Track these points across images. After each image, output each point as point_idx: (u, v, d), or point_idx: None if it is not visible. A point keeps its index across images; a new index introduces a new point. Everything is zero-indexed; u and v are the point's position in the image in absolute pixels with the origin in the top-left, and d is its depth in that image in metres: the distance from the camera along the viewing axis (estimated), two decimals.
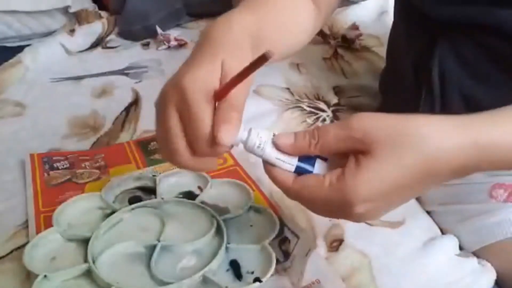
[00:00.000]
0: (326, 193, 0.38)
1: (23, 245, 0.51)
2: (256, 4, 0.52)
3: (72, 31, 0.98)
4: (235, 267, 0.49)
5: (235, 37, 0.44)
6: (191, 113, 0.39)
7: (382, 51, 0.88)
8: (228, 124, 0.38)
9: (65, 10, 1.01)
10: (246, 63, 0.37)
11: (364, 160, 0.37)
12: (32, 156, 0.64)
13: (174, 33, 0.99)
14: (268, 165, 0.41)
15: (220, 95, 0.39)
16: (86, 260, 0.48)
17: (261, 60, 0.34)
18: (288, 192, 0.40)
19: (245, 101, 0.41)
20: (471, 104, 0.55)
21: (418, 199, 0.63)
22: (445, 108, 0.57)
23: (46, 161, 0.62)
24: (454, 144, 0.36)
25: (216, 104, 0.40)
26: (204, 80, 0.40)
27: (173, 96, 0.40)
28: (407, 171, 0.36)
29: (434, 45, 0.56)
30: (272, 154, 0.40)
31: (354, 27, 1.00)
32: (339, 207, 0.38)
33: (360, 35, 0.99)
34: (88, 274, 0.47)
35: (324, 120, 0.75)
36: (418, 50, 0.60)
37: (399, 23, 0.67)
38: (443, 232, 0.59)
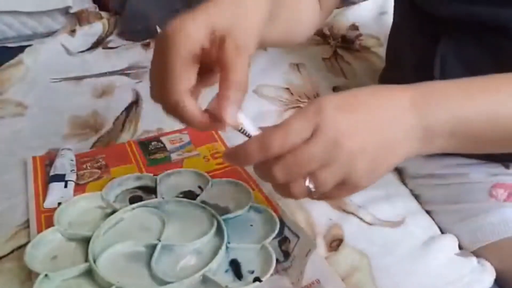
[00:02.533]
0: (296, 119, 0.38)
1: (24, 245, 0.51)
2: None
3: (72, 32, 0.98)
4: (235, 267, 0.49)
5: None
6: (167, 74, 0.39)
7: (382, 51, 0.88)
8: (234, 105, 0.40)
9: (65, 10, 1.01)
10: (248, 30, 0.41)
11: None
12: (34, 158, 0.64)
13: None
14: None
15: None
16: (86, 260, 0.48)
17: None
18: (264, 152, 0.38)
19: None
20: None
21: (418, 199, 0.64)
22: None
23: (48, 163, 0.63)
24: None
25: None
26: (187, 34, 0.39)
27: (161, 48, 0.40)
28: (364, 91, 0.41)
29: (436, 44, 0.56)
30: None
31: (354, 27, 1.00)
32: (315, 131, 0.37)
33: (360, 35, 0.99)
34: (89, 273, 0.47)
35: None
36: (419, 50, 0.60)
37: (400, 23, 0.67)
38: (442, 231, 0.59)
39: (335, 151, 0.38)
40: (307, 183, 0.39)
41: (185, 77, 0.39)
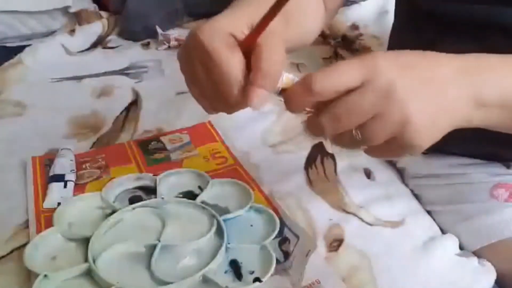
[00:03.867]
0: (345, 63, 0.37)
1: (24, 245, 0.51)
2: None
3: (72, 31, 0.98)
4: (235, 267, 0.49)
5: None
6: (213, 62, 0.38)
7: (382, 51, 0.88)
8: (262, 89, 0.38)
9: (65, 10, 1.01)
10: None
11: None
12: (34, 159, 0.64)
13: (174, 33, 0.99)
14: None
15: (246, 42, 0.39)
16: (86, 260, 0.48)
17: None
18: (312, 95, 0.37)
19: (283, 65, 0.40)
20: None
21: (418, 199, 0.64)
22: None
23: (48, 163, 0.62)
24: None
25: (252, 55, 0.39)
26: (221, 28, 0.39)
27: (194, 48, 0.40)
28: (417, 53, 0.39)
29: (437, 44, 0.56)
30: None
31: (354, 27, 1.00)
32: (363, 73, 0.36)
33: (360, 35, 0.99)
34: (89, 273, 0.47)
35: None
36: (420, 49, 0.60)
37: (401, 22, 0.67)
38: (443, 231, 0.59)
39: (387, 102, 0.36)
40: (354, 133, 0.38)
41: (235, 60, 0.39)
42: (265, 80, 0.38)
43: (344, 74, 0.37)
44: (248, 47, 0.39)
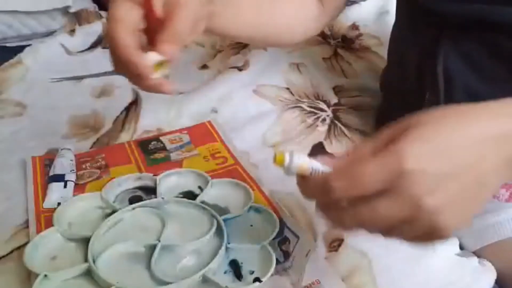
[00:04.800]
0: (372, 164, 0.33)
1: (24, 245, 0.51)
2: None
3: (72, 31, 0.98)
4: (235, 267, 0.49)
5: None
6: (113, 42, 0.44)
7: (382, 51, 0.88)
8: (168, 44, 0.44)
9: (65, 10, 1.01)
10: None
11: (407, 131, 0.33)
12: (34, 159, 0.64)
13: None
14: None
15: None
16: (86, 260, 0.48)
17: None
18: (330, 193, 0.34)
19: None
20: (476, 103, 0.55)
21: None
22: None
23: (48, 163, 0.62)
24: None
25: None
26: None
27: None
28: (458, 131, 0.34)
29: (438, 42, 0.56)
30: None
31: (355, 27, 1.00)
32: (391, 182, 0.32)
33: (361, 35, 0.99)
34: (88, 273, 0.47)
35: (324, 120, 0.75)
36: (422, 48, 0.60)
37: (402, 22, 0.67)
38: None
39: (415, 210, 0.33)
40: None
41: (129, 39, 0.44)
42: (168, 36, 0.43)
43: (367, 180, 0.33)
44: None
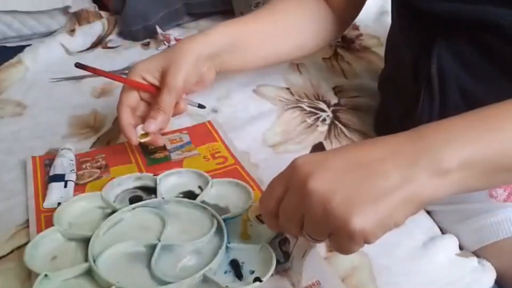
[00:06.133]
0: (274, 178, 0.43)
1: (24, 245, 0.51)
2: (242, 19, 0.68)
3: (72, 31, 0.98)
4: (235, 267, 0.49)
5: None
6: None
7: (382, 51, 0.88)
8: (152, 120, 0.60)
9: (65, 10, 1.01)
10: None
11: None
12: (34, 158, 0.64)
13: (174, 33, 0.99)
14: None
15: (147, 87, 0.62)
16: (86, 260, 0.48)
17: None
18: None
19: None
20: (470, 102, 0.55)
21: None
22: (444, 106, 0.57)
23: (48, 163, 0.62)
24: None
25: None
26: (136, 71, 0.62)
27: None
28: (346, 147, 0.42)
29: (432, 43, 0.56)
30: None
31: (354, 27, 1.00)
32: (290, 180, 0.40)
33: (360, 35, 0.99)
34: (89, 273, 0.47)
35: (324, 120, 0.75)
36: (416, 49, 0.60)
37: (397, 22, 0.68)
38: (443, 231, 0.59)
39: (307, 200, 0.38)
40: (303, 233, 0.41)
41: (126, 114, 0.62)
42: (153, 114, 0.60)
43: (273, 188, 0.42)
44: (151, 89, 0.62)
